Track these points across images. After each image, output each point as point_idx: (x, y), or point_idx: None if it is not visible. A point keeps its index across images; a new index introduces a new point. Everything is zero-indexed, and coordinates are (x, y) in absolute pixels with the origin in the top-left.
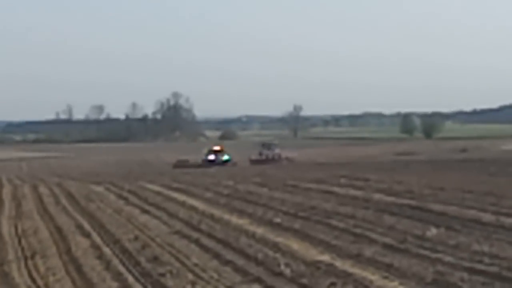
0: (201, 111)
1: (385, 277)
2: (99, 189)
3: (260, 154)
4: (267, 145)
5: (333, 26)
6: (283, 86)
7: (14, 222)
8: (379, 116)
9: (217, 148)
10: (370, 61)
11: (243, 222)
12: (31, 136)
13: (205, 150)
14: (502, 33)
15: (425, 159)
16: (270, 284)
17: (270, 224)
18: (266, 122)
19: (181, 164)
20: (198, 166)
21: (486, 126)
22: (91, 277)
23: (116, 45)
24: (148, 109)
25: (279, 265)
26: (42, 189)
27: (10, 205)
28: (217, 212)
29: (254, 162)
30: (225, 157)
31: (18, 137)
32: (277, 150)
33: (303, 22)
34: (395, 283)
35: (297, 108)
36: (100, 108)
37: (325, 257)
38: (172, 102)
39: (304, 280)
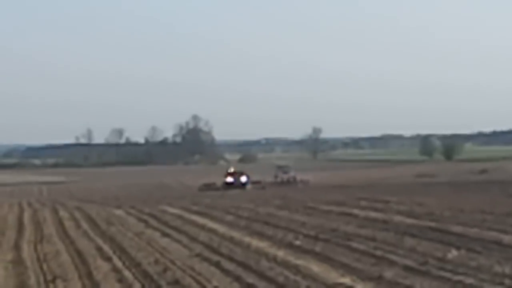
0: (220, 134)
1: None
2: (119, 212)
3: (276, 176)
4: (282, 168)
5: (353, 48)
6: (303, 108)
7: (34, 246)
8: (399, 138)
9: (231, 170)
10: (389, 83)
11: (263, 245)
12: (51, 160)
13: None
14: None
15: (445, 181)
16: None
17: (291, 246)
18: (286, 144)
19: (207, 188)
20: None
21: (506, 148)
22: None
23: (136, 69)
24: (168, 132)
25: None
26: (62, 213)
27: (31, 229)
28: (237, 235)
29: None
30: (244, 179)
31: (37, 161)
32: (292, 173)
33: (323, 44)
34: None
35: (317, 131)
36: (120, 132)
37: (346, 280)
38: (191, 125)
39: None
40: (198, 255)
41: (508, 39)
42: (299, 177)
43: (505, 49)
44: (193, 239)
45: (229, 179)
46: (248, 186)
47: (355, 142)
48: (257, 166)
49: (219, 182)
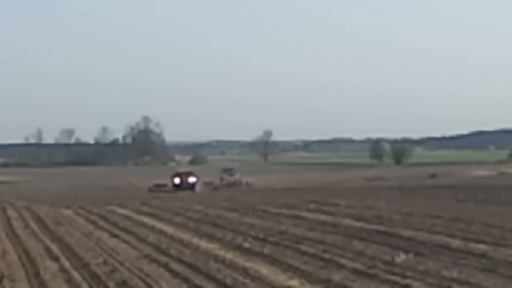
0: (171, 135)
1: None
2: (68, 213)
3: (221, 179)
4: (227, 170)
5: (303, 52)
6: (254, 111)
7: None
8: (350, 141)
9: (181, 170)
10: (341, 87)
11: (212, 246)
12: (0, 160)
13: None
14: (471, 61)
15: (395, 185)
16: None
17: (240, 249)
18: (237, 146)
19: (157, 189)
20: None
21: (456, 152)
22: None
23: (86, 69)
24: (118, 133)
25: None
26: (11, 213)
27: None
28: (186, 237)
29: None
30: (192, 180)
31: None
32: (237, 175)
33: (273, 48)
34: None
35: (267, 133)
36: (70, 132)
37: (294, 282)
38: (142, 127)
39: None
40: (146, 256)
41: (457, 47)
42: (244, 180)
43: (453, 56)
44: (142, 240)
45: (176, 180)
46: (197, 188)
47: (306, 145)
48: (207, 167)
49: (170, 183)
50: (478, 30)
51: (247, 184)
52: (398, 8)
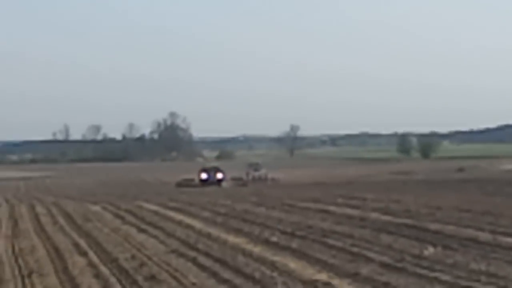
0: (198, 131)
1: None
2: (96, 208)
3: (247, 174)
4: (253, 166)
5: (331, 46)
6: (280, 106)
7: (11, 241)
8: (377, 136)
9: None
10: (367, 82)
11: (240, 241)
12: (28, 156)
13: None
14: (499, 54)
15: (422, 179)
16: None
17: (267, 243)
18: (264, 141)
19: (185, 183)
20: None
21: (484, 146)
22: None
23: (112, 66)
24: (145, 129)
25: (276, 284)
26: (39, 209)
27: (7, 224)
28: (214, 231)
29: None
30: (219, 176)
31: (15, 157)
32: (263, 171)
33: (301, 42)
34: None
35: (294, 128)
36: (97, 128)
37: (322, 276)
38: (169, 122)
39: None
40: (174, 250)
41: (483, 39)
42: (270, 175)
43: (481, 49)
44: (170, 235)
45: (203, 175)
46: (224, 183)
47: (333, 140)
48: (235, 163)
49: (197, 179)
50: (508, 22)
51: (272, 179)
52: (434, 2)
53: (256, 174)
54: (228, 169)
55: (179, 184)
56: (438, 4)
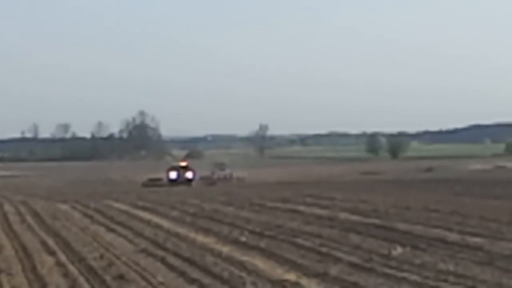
0: (167, 130)
1: None
2: (65, 207)
3: (213, 173)
4: (219, 165)
5: (299, 48)
6: (250, 105)
7: None
8: (345, 135)
9: (182, 164)
10: (336, 82)
11: (209, 240)
12: None
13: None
14: (466, 55)
15: (391, 179)
16: None
17: (236, 242)
18: (233, 141)
19: (152, 183)
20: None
21: (452, 146)
22: None
23: (82, 64)
24: (114, 128)
25: (245, 283)
26: (7, 207)
27: None
28: (182, 231)
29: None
30: (189, 175)
31: None
32: (228, 170)
33: (269, 44)
34: None
35: (263, 128)
36: (66, 127)
37: (291, 276)
38: (138, 121)
39: None
40: (143, 250)
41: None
42: (235, 174)
43: (447, 51)
44: (139, 234)
45: (172, 174)
46: (194, 183)
47: (302, 140)
48: (203, 162)
49: (165, 178)
50: (473, 25)
51: (238, 178)
52: (393, 3)
53: (222, 173)
54: (196, 168)
55: (145, 185)
56: (407, 8)
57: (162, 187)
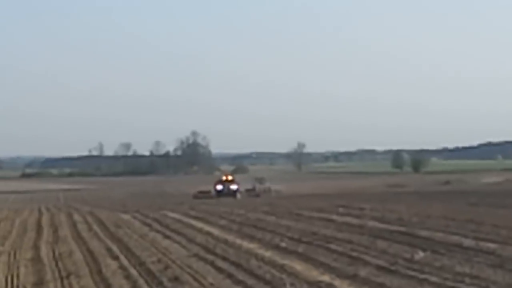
0: (216, 148)
1: None
2: (126, 217)
3: (254, 186)
4: (259, 179)
5: (332, 71)
6: (289, 125)
7: (51, 246)
8: (373, 152)
9: (228, 177)
10: (365, 103)
11: (253, 246)
12: (67, 170)
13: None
14: (480, 80)
15: (413, 191)
16: None
17: (277, 248)
18: (273, 157)
19: (201, 195)
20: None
21: (467, 162)
22: None
23: (142, 89)
24: (170, 146)
25: (285, 284)
26: (76, 217)
27: (48, 231)
28: (230, 238)
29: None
30: (234, 187)
31: (55, 171)
32: (267, 184)
33: (307, 68)
34: None
35: (301, 145)
36: (128, 146)
37: (325, 278)
38: (191, 140)
39: None
40: (195, 255)
41: (470, 67)
42: (272, 187)
43: (468, 75)
44: (191, 240)
45: (219, 186)
46: (239, 195)
47: (335, 156)
48: (247, 176)
49: (212, 190)
50: (489, 49)
51: (275, 191)
52: (418, 28)
53: (262, 186)
54: (241, 182)
55: (195, 196)
56: (430, 33)
57: (211, 198)
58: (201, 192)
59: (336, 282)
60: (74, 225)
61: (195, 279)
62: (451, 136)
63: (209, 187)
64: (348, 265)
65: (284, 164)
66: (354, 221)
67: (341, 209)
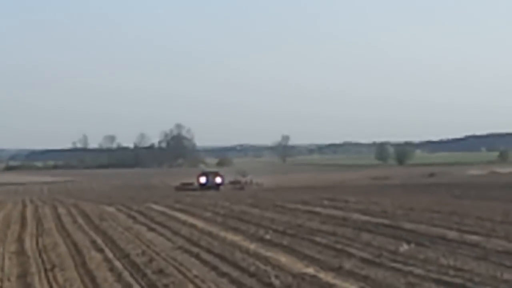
0: (201, 140)
1: None
2: (111, 209)
3: (237, 179)
4: (241, 172)
5: (316, 65)
6: (274, 118)
7: (36, 238)
8: (357, 145)
9: (209, 170)
10: (349, 96)
11: (237, 238)
12: (51, 163)
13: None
14: (464, 73)
15: (398, 183)
16: None
17: (261, 240)
18: (258, 150)
19: (184, 187)
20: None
21: (451, 154)
22: (103, 287)
23: (126, 82)
24: (154, 139)
25: (269, 276)
26: (61, 209)
27: (32, 224)
28: (214, 230)
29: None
30: (218, 180)
31: (39, 164)
32: (249, 176)
33: (292, 61)
34: None
35: (285, 138)
36: (112, 138)
37: (310, 270)
38: (175, 133)
39: None
40: (180, 247)
41: (453, 60)
42: (254, 180)
43: (452, 68)
44: (176, 233)
45: (202, 179)
46: (222, 188)
47: (319, 149)
48: (232, 169)
49: (196, 182)
50: (470, 43)
51: (256, 183)
52: (401, 21)
53: (243, 179)
54: (225, 174)
55: (178, 188)
56: (412, 27)
57: (193, 191)
58: (184, 184)
59: (321, 274)
60: (58, 217)
61: (180, 272)
62: (435, 129)
63: (193, 179)
64: (332, 257)
65: (270, 157)
66: (339, 213)
67: (325, 202)
